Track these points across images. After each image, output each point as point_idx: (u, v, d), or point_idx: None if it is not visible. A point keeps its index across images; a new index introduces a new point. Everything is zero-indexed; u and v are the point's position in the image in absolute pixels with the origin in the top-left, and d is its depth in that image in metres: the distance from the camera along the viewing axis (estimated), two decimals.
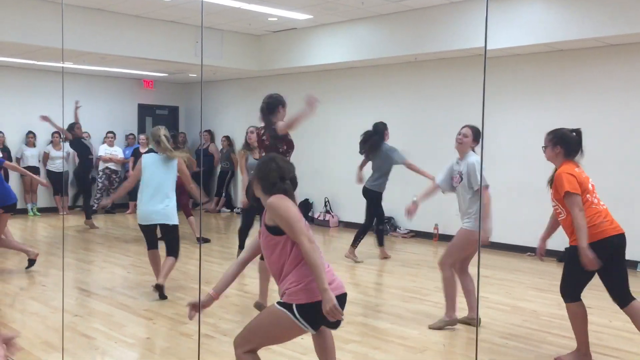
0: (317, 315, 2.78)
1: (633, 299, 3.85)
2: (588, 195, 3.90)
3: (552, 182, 4.02)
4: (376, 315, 5.11)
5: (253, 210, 6.97)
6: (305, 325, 2.85)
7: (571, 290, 3.98)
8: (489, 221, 4.60)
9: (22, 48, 9.00)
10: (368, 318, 4.99)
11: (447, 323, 4.68)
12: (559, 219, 4.07)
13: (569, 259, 4.03)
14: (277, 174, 2.98)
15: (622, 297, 3.86)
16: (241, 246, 6.82)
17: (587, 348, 3.97)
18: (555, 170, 4.02)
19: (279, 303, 2.92)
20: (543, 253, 4.24)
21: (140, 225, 5.64)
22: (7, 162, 6.68)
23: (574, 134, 4.05)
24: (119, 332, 4.52)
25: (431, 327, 4.67)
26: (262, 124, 5.08)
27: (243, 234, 6.81)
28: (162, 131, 5.68)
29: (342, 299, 2.89)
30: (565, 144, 4.00)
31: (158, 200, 5.51)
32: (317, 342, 3.22)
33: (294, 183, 3.07)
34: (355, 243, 7.48)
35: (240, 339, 3.03)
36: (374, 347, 4.26)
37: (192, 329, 4.57)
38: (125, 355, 4.10)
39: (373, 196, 7.42)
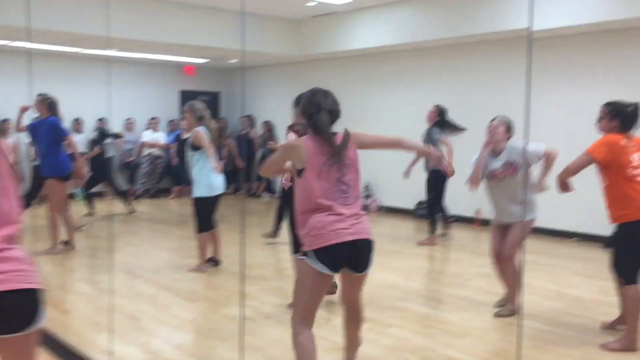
0: (333, 258, 2.95)
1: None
2: (629, 170, 3.81)
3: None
4: (417, 300, 5.10)
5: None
6: (325, 268, 2.96)
7: (630, 271, 3.89)
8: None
9: (68, 36, 9.21)
10: (409, 303, 4.98)
11: (512, 312, 4.59)
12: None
13: (624, 237, 3.94)
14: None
15: None
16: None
17: (635, 334, 3.89)
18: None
19: (300, 253, 3.09)
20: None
21: (211, 198, 5.77)
22: (70, 139, 6.71)
23: (631, 108, 3.97)
24: (165, 313, 4.63)
25: (497, 315, 4.58)
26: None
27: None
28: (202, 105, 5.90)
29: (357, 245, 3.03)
30: (622, 117, 3.98)
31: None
32: (347, 318, 3.43)
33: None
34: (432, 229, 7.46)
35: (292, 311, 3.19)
36: (415, 332, 4.26)
37: (235, 311, 4.65)
38: (171, 335, 4.21)
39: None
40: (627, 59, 7.51)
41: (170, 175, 12.17)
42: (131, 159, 11.90)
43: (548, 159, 4.48)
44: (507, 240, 4.57)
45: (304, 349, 3.01)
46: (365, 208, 10.31)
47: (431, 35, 8.87)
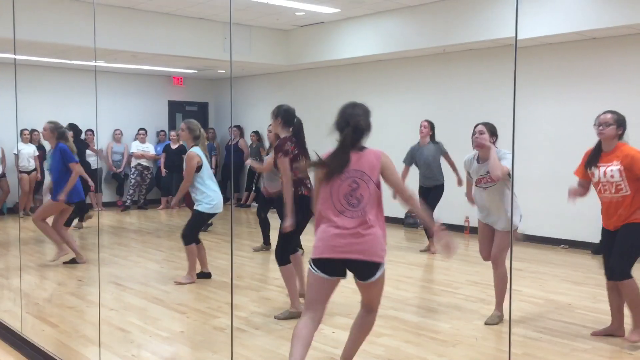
0: (327, 268, 3.15)
1: None
2: None
3: (592, 162, 4.21)
4: (407, 308, 5.10)
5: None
6: (322, 273, 3.16)
7: (630, 267, 4.09)
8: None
9: (55, 48, 9.18)
10: (399, 311, 4.98)
11: (500, 318, 4.62)
12: (610, 197, 4.13)
13: (633, 235, 4.08)
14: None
15: None
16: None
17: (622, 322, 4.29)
18: (599, 149, 4.22)
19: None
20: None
21: (211, 215, 5.95)
22: (74, 166, 6.60)
23: None
24: (154, 325, 4.60)
25: (487, 324, 4.59)
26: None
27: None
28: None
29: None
30: (624, 127, 4.21)
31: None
32: (359, 317, 3.52)
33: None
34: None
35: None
36: (406, 341, 4.26)
37: (225, 322, 4.63)
38: (160, 348, 4.17)
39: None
40: (610, 66, 7.61)
41: (158, 186, 12.13)
42: (119, 170, 11.85)
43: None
44: (495, 245, 4.61)
45: (295, 332, 3.21)
46: None
47: (418, 45, 8.93)
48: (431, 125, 7.50)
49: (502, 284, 4.62)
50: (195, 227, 5.97)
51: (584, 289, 5.72)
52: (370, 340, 4.24)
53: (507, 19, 7.70)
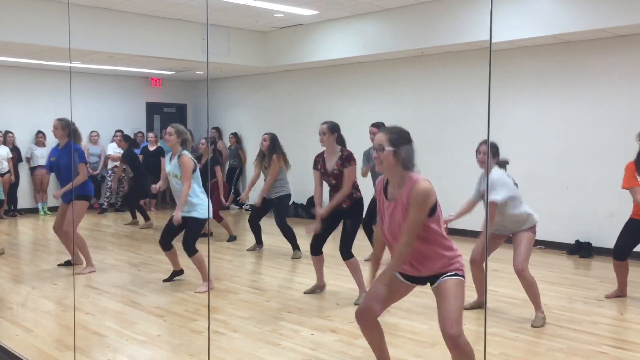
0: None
1: None
2: None
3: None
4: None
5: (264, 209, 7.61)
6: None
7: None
8: None
9: (29, 48, 9.05)
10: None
11: (544, 319, 4.69)
12: None
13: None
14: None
15: None
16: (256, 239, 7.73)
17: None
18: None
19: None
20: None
21: (206, 220, 5.79)
22: (82, 167, 6.49)
23: None
24: (130, 329, 4.55)
25: (534, 326, 4.60)
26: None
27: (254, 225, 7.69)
28: None
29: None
30: None
31: None
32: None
33: None
34: None
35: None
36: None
37: (202, 325, 4.59)
38: (136, 352, 4.13)
39: None
40: (585, 69, 7.72)
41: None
42: (96, 172, 11.71)
43: (492, 209, 4.70)
44: (517, 254, 4.74)
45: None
46: None
47: (396, 47, 8.98)
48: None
49: (533, 289, 4.69)
50: (196, 236, 5.73)
51: (559, 289, 5.79)
52: (348, 341, 4.25)
53: (483, 22, 7.77)
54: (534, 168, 7.91)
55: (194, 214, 5.65)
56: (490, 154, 4.75)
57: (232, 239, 8.51)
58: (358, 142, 8.46)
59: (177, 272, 6.12)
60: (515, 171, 8.11)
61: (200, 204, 5.66)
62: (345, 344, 4.21)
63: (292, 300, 5.46)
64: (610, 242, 7.63)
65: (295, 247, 7.39)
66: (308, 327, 4.56)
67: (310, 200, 10.42)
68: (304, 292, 5.63)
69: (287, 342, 4.24)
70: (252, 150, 11.09)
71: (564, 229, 7.76)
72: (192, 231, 5.70)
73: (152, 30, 9.53)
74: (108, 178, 11.72)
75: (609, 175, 7.12)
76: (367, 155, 7.00)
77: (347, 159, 5.20)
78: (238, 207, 12.13)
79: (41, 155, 11.29)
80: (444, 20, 8.33)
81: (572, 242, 7.69)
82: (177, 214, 5.59)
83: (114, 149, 11.67)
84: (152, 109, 13.25)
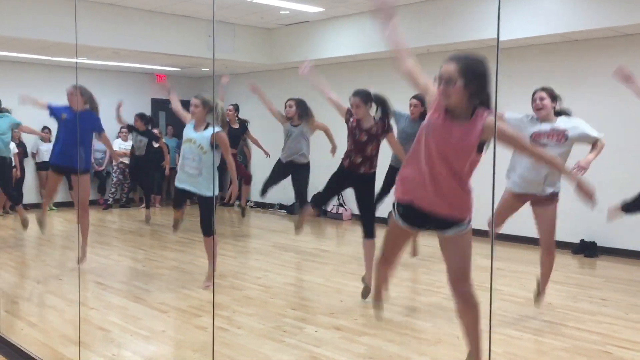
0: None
1: None
2: None
3: None
4: (390, 308, 5.11)
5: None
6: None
7: None
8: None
9: (36, 44, 9.08)
10: (381, 311, 4.98)
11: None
12: None
13: None
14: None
15: None
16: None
17: None
18: None
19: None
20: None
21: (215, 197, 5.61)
22: (105, 135, 6.53)
23: None
24: (135, 325, 4.56)
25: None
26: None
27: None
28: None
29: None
30: None
31: None
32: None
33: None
34: None
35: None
36: (388, 340, 4.27)
37: (206, 321, 4.60)
38: (140, 347, 4.14)
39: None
40: (592, 68, 7.69)
41: (140, 184, 12.02)
42: (101, 168, 11.74)
43: (598, 148, 4.63)
44: (544, 231, 4.72)
45: None
46: (339, 216, 10.34)
47: None
48: (422, 102, 6.75)
49: (549, 271, 4.72)
50: (212, 215, 5.62)
51: (564, 288, 5.78)
52: (352, 338, 4.25)
53: (490, 20, 7.75)
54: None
55: (209, 193, 5.38)
56: (550, 100, 4.66)
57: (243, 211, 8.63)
58: None
59: None
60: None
61: (210, 181, 5.43)
62: (349, 341, 4.21)
63: (296, 297, 5.46)
64: (615, 242, 7.63)
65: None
66: (312, 324, 4.57)
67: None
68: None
69: (291, 338, 4.25)
70: (255, 151, 11.09)
71: (568, 228, 7.73)
72: (209, 211, 5.53)
73: (158, 27, 9.54)
74: (113, 174, 11.74)
75: (615, 173, 7.10)
76: (398, 116, 6.69)
77: (388, 123, 5.12)
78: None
79: (47, 151, 11.28)
80: (450, 18, 8.30)
81: (577, 241, 7.67)
82: (234, 188, 5.62)
83: (119, 145, 11.68)
84: (158, 105, 13.26)
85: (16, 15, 8.23)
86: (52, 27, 8.39)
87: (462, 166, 2.95)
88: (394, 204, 3.22)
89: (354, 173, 5.13)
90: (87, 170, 6.44)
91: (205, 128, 5.50)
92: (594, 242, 7.51)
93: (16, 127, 7.71)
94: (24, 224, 7.42)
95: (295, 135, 7.13)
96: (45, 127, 11.39)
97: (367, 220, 5.21)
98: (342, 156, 5.26)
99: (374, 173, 5.22)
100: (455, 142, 2.90)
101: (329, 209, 10.53)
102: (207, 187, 5.39)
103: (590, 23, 7.07)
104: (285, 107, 7.17)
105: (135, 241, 8.31)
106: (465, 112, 2.92)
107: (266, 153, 8.99)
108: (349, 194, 10.63)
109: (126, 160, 11.76)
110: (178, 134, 12.53)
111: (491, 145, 2.89)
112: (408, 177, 3.10)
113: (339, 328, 4.49)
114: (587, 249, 7.49)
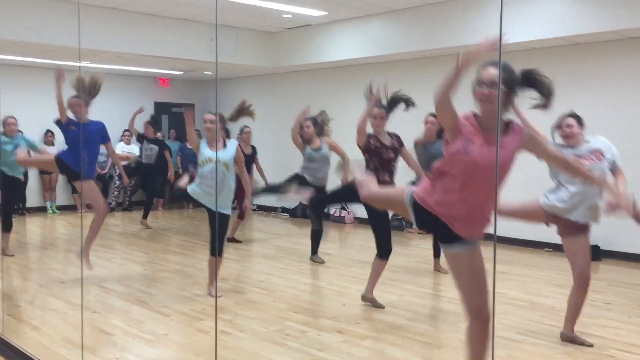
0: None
1: None
2: None
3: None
4: (392, 311, 5.11)
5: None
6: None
7: None
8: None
9: (39, 47, 9.10)
10: (384, 314, 4.98)
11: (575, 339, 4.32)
12: None
13: None
14: None
15: None
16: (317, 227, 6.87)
17: None
18: None
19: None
20: None
21: None
22: (111, 145, 6.59)
23: None
24: (137, 328, 4.57)
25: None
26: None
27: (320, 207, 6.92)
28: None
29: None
30: None
31: None
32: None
33: None
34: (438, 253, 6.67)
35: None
36: (391, 344, 4.26)
37: (209, 325, 4.60)
38: (143, 351, 4.14)
39: None
40: (594, 71, 7.69)
41: (143, 188, 12.04)
42: (104, 171, 11.75)
43: (624, 179, 4.31)
44: (579, 262, 4.40)
45: None
46: (342, 220, 10.33)
47: (404, 48, 8.97)
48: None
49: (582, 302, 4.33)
50: (226, 234, 5.55)
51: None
52: (355, 342, 4.25)
53: (492, 23, 7.75)
54: (542, 170, 7.86)
55: (227, 211, 5.35)
56: (578, 126, 4.46)
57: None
58: None
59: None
60: (524, 173, 8.11)
61: (229, 200, 5.39)
62: (351, 345, 4.21)
63: (299, 300, 5.46)
64: (618, 245, 7.60)
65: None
66: (314, 328, 4.56)
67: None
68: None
69: (294, 342, 4.24)
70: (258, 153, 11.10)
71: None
72: (227, 227, 5.52)
73: (160, 30, 9.56)
74: (116, 177, 11.76)
75: None
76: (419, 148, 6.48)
77: (399, 139, 5.17)
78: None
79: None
80: (452, 21, 8.31)
81: None
82: (248, 203, 5.61)
83: (122, 148, 11.70)
84: (161, 108, 13.29)
85: (20, 19, 8.25)
86: (55, 31, 8.42)
87: (501, 183, 2.89)
88: (412, 202, 3.01)
89: None
90: (91, 176, 6.42)
91: (224, 145, 5.39)
92: (596, 245, 7.49)
93: (34, 148, 7.54)
94: (8, 251, 7.21)
95: (320, 159, 6.95)
96: (48, 131, 11.43)
97: (384, 241, 5.11)
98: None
99: None
100: (499, 160, 2.79)
101: (331, 212, 10.53)
102: (227, 205, 5.35)
103: (593, 26, 7.06)
104: (302, 128, 6.97)
105: (138, 244, 8.32)
106: (499, 126, 2.84)
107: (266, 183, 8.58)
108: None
109: (130, 164, 11.77)
110: (181, 137, 12.57)
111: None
112: (445, 203, 2.88)
113: (342, 332, 4.49)
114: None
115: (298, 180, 6.89)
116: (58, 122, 6.31)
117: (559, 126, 4.54)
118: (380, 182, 4.98)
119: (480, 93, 2.88)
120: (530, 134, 2.95)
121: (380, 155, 5.06)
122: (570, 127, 4.44)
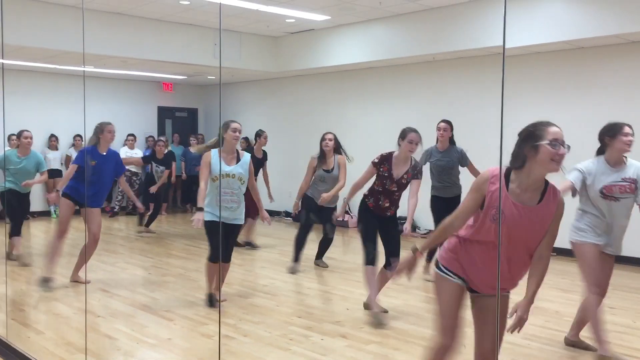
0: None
1: None
2: None
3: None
4: (396, 316, 5.10)
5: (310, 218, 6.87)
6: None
7: None
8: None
9: (44, 53, 9.14)
10: (388, 319, 4.97)
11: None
12: None
13: None
14: None
15: None
16: (296, 257, 6.82)
17: None
18: None
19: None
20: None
21: None
22: (122, 181, 6.75)
23: None
24: (141, 332, 4.56)
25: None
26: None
27: (301, 241, 6.86)
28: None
29: None
30: None
31: None
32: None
33: None
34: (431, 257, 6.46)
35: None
36: (395, 348, 4.25)
37: (212, 329, 4.60)
38: (147, 355, 4.14)
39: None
40: (598, 75, 7.68)
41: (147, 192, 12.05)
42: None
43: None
44: (608, 276, 4.20)
45: None
46: (345, 224, 10.32)
47: (407, 52, 8.97)
48: (451, 126, 6.36)
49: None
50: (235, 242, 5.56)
51: (571, 297, 5.74)
52: (359, 347, 4.24)
53: (496, 27, 7.76)
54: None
55: (240, 221, 5.36)
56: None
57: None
58: (369, 147, 8.46)
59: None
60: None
61: (243, 208, 5.35)
62: (355, 350, 4.20)
63: (302, 305, 5.45)
64: (623, 250, 7.56)
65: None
66: (318, 332, 4.55)
67: None
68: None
69: (297, 347, 4.24)
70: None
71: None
72: (237, 236, 5.57)
73: (164, 35, 9.59)
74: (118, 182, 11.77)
75: None
76: (427, 154, 6.35)
77: (419, 170, 4.98)
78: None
79: (54, 159, 11.36)
80: (455, 25, 8.31)
81: None
82: (265, 213, 5.49)
83: (126, 152, 11.72)
84: (164, 113, 13.32)
85: (25, 24, 8.29)
86: (60, 36, 8.46)
87: (538, 244, 2.88)
88: (439, 265, 3.08)
89: (379, 215, 5.03)
90: (99, 205, 6.43)
91: (237, 157, 5.31)
92: None
93: (40, 168, 7.51)
94: (13, 255, 7.25)
95: (331, 181, 6.75)
96: (52, 135, 11.47)
97: (393, 254, 5.09)
98: (365, 191, 5.15)
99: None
100: (536, 227, 2.79)
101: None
102: (242, 215, 5.34)
103: (596, 30, 7.06)
104: (324, 140, 6.77)
105: (141, 249, 8.32)
106: (540, 185, 2.82)
107: (271, 197, 8.47)
108: (355, 202, 10.61)
109: (132, 169, 11.79)
110: (184, 141, 12.60)
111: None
112: (473, 263, 2.98)
113: (345, 336, 4.48)
114: None
115: (307, 202, 6.81)
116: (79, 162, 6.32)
117: (613, 135, 3.93)
118: (379, 207, 5.00)
119: (561, 155, 2.70)
120: (562, 199, 2.85)
121: (384, 184, 4.97)
122: (628, 136, 3.89)
